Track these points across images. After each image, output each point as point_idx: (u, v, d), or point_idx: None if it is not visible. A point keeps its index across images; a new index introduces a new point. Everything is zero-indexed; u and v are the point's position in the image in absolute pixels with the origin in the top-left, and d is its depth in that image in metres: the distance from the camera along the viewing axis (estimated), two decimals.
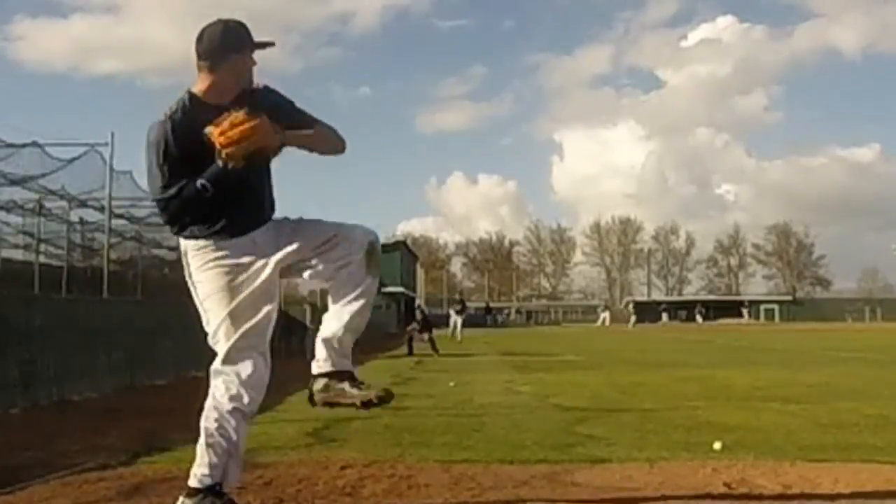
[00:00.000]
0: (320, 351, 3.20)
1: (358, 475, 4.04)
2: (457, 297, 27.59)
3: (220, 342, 3.05)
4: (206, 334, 3.15)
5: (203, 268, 3.07)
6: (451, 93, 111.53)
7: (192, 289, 3.14)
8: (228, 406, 3.00)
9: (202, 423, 3.03)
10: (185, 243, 3.11)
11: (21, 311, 7.85)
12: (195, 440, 3.06)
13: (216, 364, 3.05)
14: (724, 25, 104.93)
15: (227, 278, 3.05)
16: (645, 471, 4.29)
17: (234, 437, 3.02)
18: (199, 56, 2.99)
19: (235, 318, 3.04)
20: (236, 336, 3.03)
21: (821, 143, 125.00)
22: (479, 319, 48.32)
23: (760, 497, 3.74)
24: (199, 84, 3.03)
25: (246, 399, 3.02)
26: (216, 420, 3.01)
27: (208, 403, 3.05)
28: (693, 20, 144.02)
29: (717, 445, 4.74)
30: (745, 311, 67.30)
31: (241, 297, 3.05)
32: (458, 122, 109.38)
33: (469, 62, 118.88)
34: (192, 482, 3.02)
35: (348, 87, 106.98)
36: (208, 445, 3.01)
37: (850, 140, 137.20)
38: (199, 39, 2.99)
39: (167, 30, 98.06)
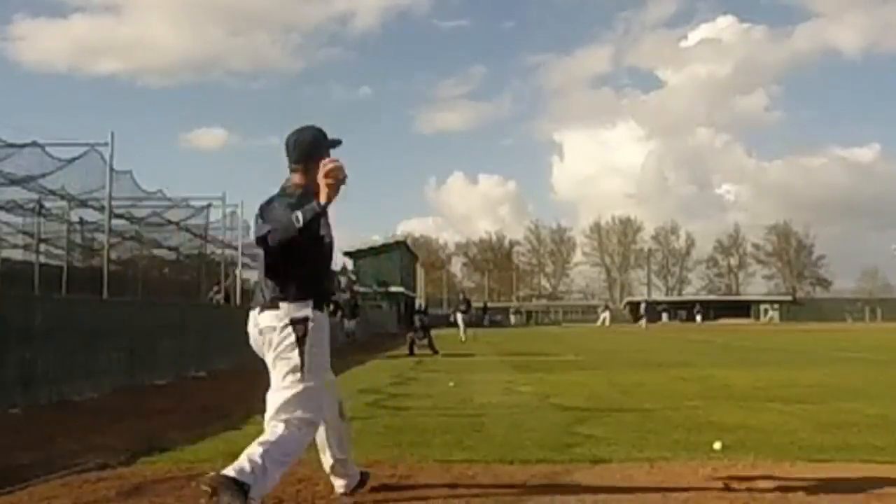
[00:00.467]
0: (342, 476, 3.76)
1: None
2: (461, 297, 27.84)
3: (313, 402, 3.35)
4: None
5: (320, 338, 3.42)
6: (451, 93, 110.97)
7: (294, 348, 3.34)
8: (287, 456, 3.26)
9: (253, 450, 3.16)
10: (311, 312, 3.39)
11: (21, 311, 7.85)
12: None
13: (297, 414, 3.30)
14: (724, 25, 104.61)
15: (324, 346, 3.49)
16: (645, 471, 4.30)
17: (273, 476, 3.19)
18: (293, 161, 3.52)
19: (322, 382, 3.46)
20: (322, 398, 3.42)
21: (821, 143, 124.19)
22: (478, 319, 48.41)
23: (760, 497, 3.74)
24: (296, 179, 3.51)
25: (293, 455, 3.31)
26: (270, 457, 3.17)
27: (267, 439, 3.23)
28: (693, 20, 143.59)
29: (717, 445, 4.74)
30: (762, 311, 66.43)
31: (326, 368, 3.54)
32: (458, 122, 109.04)
33: (469, 62, 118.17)
34: (228, 471, 3.08)
35: (348, 87, 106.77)
36: (261, 459, 3.15)
37: (850, 140, 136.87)
38: (291, 149, 3.52)
39: (167, 30, 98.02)
